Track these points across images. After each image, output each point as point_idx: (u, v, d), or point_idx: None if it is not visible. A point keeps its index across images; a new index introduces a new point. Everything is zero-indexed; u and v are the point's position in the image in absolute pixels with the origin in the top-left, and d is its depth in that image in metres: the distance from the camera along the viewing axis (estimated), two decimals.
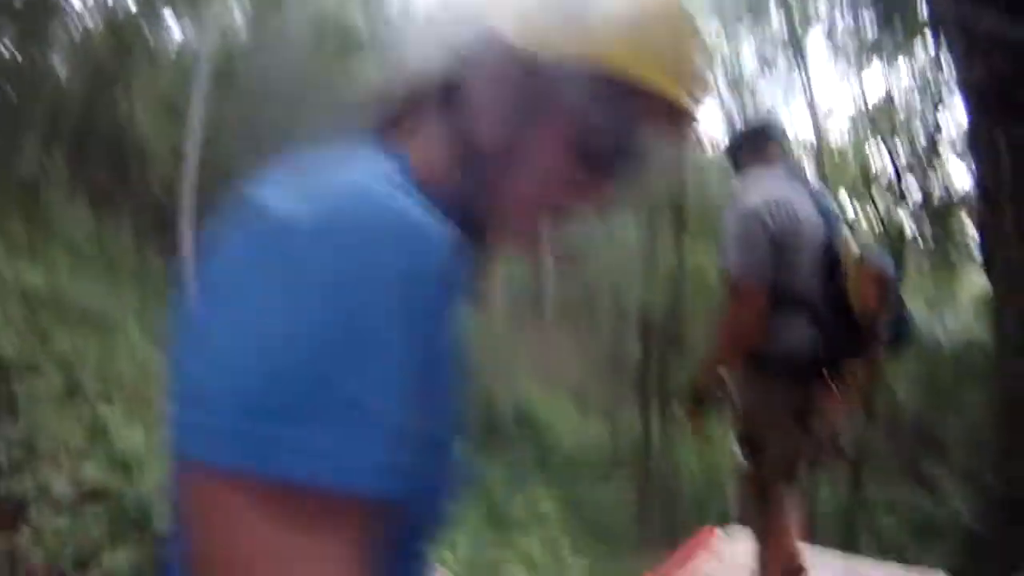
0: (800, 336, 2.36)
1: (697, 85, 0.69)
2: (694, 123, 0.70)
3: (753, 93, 16.95)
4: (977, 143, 1.42)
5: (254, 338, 0.49)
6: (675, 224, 18.14)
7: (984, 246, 1.49)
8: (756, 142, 2.63)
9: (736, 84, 16.70)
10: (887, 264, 2.35)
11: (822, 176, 15.23)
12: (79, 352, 8.90)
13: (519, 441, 22.88)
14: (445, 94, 0.68)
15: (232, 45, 22.51)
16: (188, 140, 14.37)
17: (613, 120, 0.63)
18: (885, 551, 15.28)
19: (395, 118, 0.74)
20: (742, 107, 16.32)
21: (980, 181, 1.41)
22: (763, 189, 2.46)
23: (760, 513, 2.58)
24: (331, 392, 0.48)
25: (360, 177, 0.57)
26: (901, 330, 2.32)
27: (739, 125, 2.69)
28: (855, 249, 2.32)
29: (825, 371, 2.40)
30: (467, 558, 10.36)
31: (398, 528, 0.58)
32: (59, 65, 18.59)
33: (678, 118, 0.69)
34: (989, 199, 1.33)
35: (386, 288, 0.51)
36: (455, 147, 0.67)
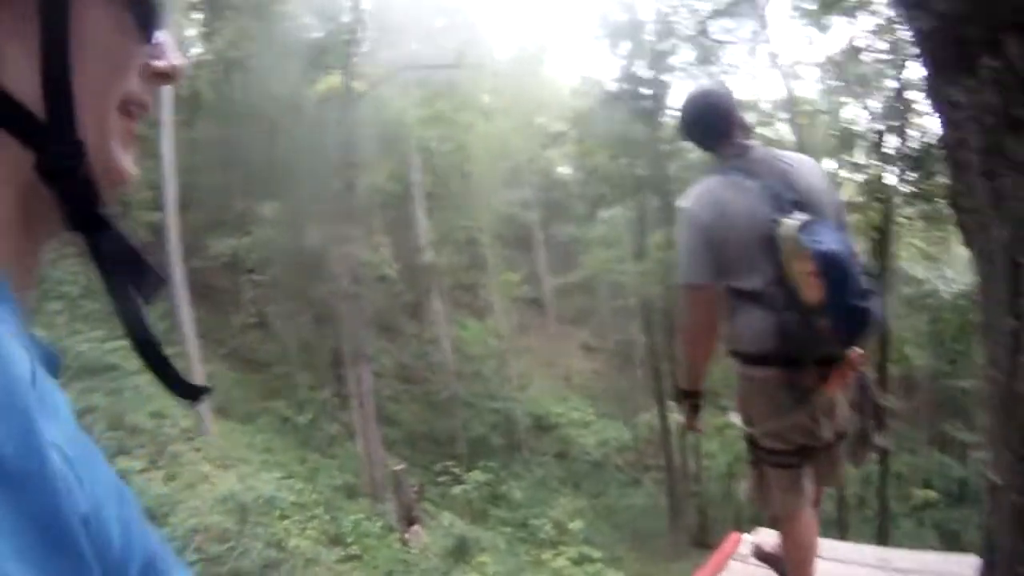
0: (758, 330, 2.35)
1: None
2: None
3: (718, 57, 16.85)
4: (936, 98, 1.30)
5: None
6: (664, 215, 18.01)
7: (958, 218, 1.35)
8: (706, 147, 2.63)
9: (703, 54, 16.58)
10: (829, 248, 2.19)
11: (796, 132, 15.11)
12: (89, 407, 8.93)
13: (542, 453, 22.85)
14: None
15: (196, 68, 22.71)
16: (164, 169, 14.20)
17: None
18: (921, 524, 15.16)
19: None
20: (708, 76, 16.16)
21: (943, 139, 1.28)
22: (701, 190, 2.47)
23: (767, 497, 2.58)
24: None
25: None
26: (853, 321, 2.21)
27: (692, 113, 2.57)
28: (792, 238, 2.22)
29: (802, 360, 2.36)
30: None
31: None
32: None
33: None
34: (954, 160, 1.19)
35: None
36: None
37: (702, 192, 2.46)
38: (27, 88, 0.46)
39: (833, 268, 2.17)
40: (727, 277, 2.37)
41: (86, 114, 0.49)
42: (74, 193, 0.49)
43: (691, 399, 2.64)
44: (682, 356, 2.72)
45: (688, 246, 2.41)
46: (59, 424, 0.43)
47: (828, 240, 2.21)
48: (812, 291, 2.17)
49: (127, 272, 0.54)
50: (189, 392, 0.59)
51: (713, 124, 2.57)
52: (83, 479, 0.42)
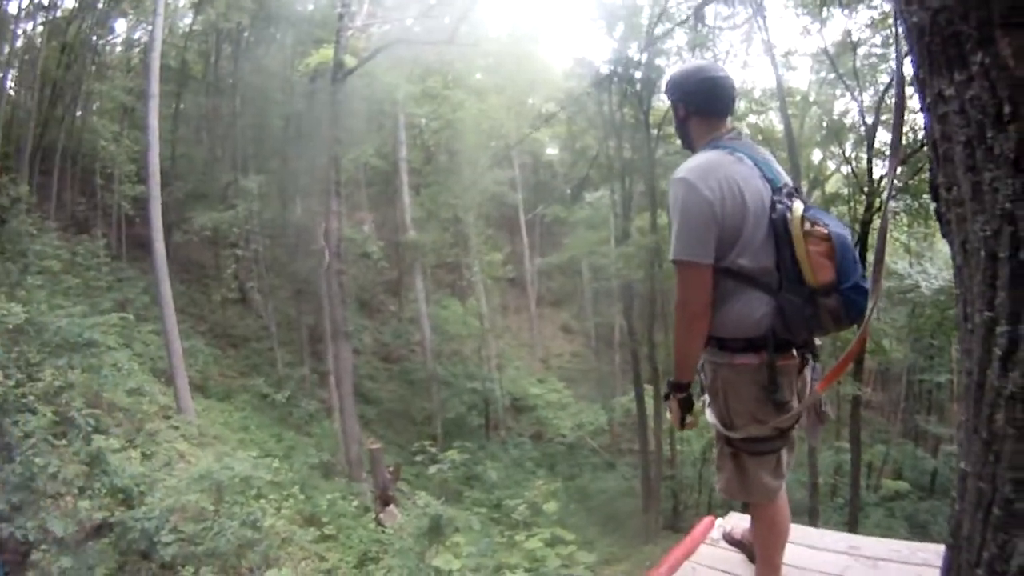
0: (757, 314, 2.24)
1: None
2: None
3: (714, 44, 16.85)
4: (924, 91, 1.28)
5: None
6: (649, 199, 18.04)
7: (939, 210, 1.33)
8: (705, 119, 2.49)
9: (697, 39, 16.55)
10: (839, 230, 2.20)
11: (786, 122, 15.16)
12: (67, 384, 8.81)
13: (519, 434, 22.98)
14: None
15: (184, 41, 22.35)
16: (149, 141, 13.86)
17: None
18: (891, 515, 15.45)
19: None
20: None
21: (929, 131, 1.27)
22: (704, 164, 2.30)
23: (741, 488, 2.47)
24: None
25: None
26: (862, 300, 2.16)
27: (704, 80, 2.48)
28: (806, 220, 2.19)
29: (793, 346, 2.31)
30: (474, 560, 10.34)
31: None
32: (11, 83, 18.40)
33: None
34: (938, 152, 1.18)
35: None
36: None
37: (704, 165, 2.29)
38: None
39: (845, 250, 2.18)
40: (727, 257, 2.24)
41: None
42: None
43: (682, 392, 2.42)
44: (675, 342, 2.41)
45: (688, 221, 2.22)
46: None
47: (833, 224, 2.21)
48: (823, 272, 2.16)
49: None
50: None
51: (723, 96, 2.50)
52: None
